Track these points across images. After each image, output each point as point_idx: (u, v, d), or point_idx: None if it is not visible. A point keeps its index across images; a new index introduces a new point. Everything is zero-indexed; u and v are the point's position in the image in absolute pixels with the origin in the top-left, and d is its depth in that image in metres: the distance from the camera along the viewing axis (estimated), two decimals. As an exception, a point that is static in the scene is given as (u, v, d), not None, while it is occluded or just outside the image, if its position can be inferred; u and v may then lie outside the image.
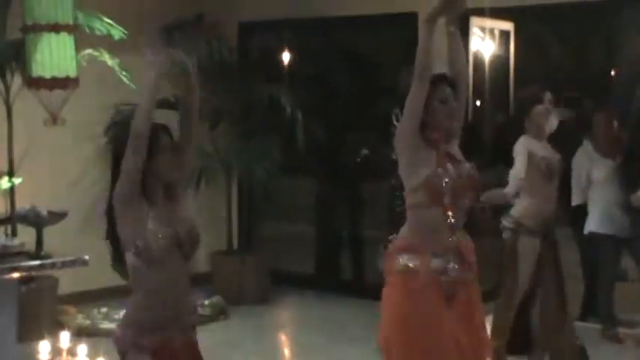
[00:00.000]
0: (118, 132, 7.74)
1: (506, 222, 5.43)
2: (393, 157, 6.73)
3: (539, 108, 5.37)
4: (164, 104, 7.73)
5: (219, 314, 7.38)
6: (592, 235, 6.59)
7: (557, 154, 5.47)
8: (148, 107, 3.24)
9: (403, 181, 3.86)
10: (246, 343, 6.81)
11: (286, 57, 8.85)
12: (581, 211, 6.73)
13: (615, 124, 6.85)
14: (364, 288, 7.96)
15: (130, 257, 3.28)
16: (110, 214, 3.33)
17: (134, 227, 3.25)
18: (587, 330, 6.68)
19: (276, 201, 8.91)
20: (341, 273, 8.83)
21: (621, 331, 6.77)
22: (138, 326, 3.33)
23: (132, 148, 3.18)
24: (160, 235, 3.25)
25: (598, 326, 6.63)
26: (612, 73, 9.97)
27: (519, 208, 5.39)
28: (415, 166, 3.76)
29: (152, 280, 3.29)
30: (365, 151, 7.70)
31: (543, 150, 5.40)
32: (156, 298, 3.31)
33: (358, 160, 8.45)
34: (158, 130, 3.34)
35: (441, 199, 3.71)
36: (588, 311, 6.95)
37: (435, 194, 3.71)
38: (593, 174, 6.64)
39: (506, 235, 5.43)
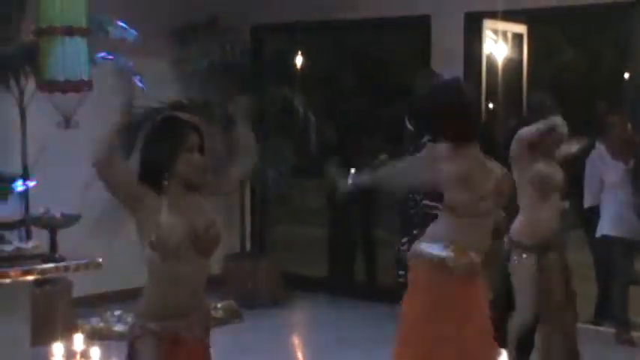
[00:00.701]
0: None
1: (505, 239, 5.20)
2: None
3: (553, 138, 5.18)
4: (177, 106, 7.79)
5: (232, 317, 7.38)
6: (604, 238, 6.57)
7: (561, 173, 5.19)
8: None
9: None
10: (260, 346, 6.81)
11: (299, 60, 8.86)
12: (594, 214, 6.71)
13: (629, 127, 6.83)
14: (377, 291, 7.96)
15: (145, 249, 3.29)
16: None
17: (149, 222, 3.26)
18: (600, 334, 6.67)
19: (289, 203, 8.93)
20: (354, 276, 8.83)
21: (635, 334, 6.74)
22: (148, 314, 3.35)
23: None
24: (176, 228, 3.24)
25: (612, 330, 6.60)
26: (625, 75, 9.93)
27: (514, 226, 5.14)
28: None
29: (166, 273, 3.29)
30: (384, 156, 7.68)
31: (543, 165, 5.13)
32: (168, 291, 3.31)
33: (376, 163, 8.44)
34: (185, 128, 3.33)
35: None
36: (602, 315, 6.92)
37: None
38: (606, 177, 6.62)
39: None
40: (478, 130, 4.22)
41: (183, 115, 3.47)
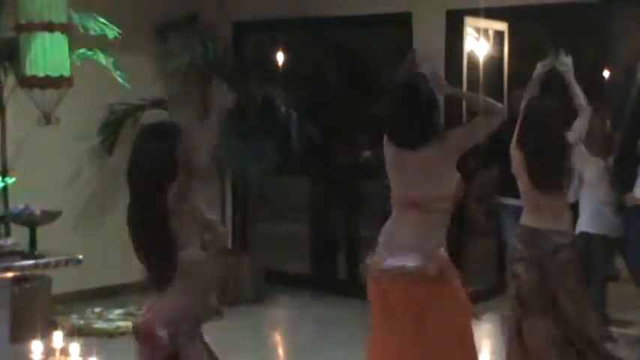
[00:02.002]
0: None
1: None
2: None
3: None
4: (156, 104, 7.79)
5: (213, 314, 7.35)
6: (583, 234, 6.60)
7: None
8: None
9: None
10: (241, 343, 6.81)
11: (280, 57, 8.85)
12: (573, 211, 6.74)
13: (608, 124, 6.87)
14: (359, 288, 7.94)
15: (188, 252, 3.21)
16: (150, 220, 3.20)
17: (194, 222, 3.23)
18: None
19: (271, 201, 8.92)
20: (336, 273, 8.83)
21: (614, 330, 6.78)
22: (185, 318, 3.25)
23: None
24: (219, 226, 3.28)
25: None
26: (606, 73, 9.98)
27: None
28: None
29: (206, 272, 3.25)
30: (367, 153, 7.71)
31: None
32: (206, 291, 3.29)
33: (360, 161, 8.46)
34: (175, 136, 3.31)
35: None
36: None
37: None
38: (585, 173, 6.65)
39: None
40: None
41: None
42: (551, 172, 4.89)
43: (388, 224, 4.24)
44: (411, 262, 4.04)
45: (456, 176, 4.13)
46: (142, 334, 3.24)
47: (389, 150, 4.18)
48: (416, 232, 4.08)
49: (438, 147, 4.07)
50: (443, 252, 4.11)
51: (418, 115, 4.07)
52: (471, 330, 4.24)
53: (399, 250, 4.09)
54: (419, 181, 4.09)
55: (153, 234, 3.19)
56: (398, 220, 4.18)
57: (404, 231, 4.12)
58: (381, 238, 4.24)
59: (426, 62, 4.15)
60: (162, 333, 3.18)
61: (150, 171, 3.19)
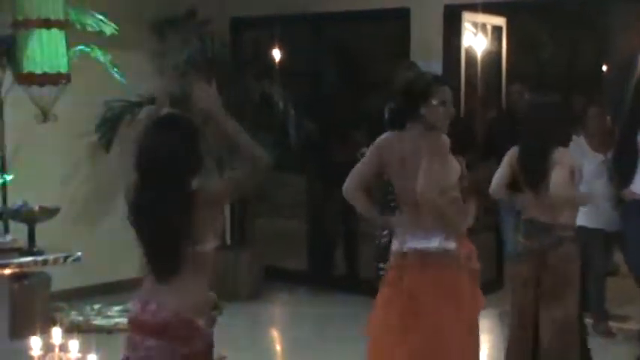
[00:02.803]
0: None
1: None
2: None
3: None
4: (154, 101, 7.75)
5: (212, 310, 7.35)
6: (581, 229, 6.59)
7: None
8: None
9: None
10: (240, 338, 6.81)
11: (278, 53, 8.84)
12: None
13: (607, 119, 6.88)
14: (357, 284, 7.97)
15: (209, 242, 3.23)
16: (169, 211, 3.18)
17: (214, 217, 3.30)
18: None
19: (269, 197, 8.91)
20: (334, 269, 8.84)
21: (612, 325, 6.79)
22: (200, 311, 3.27)
23: None
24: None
25: (589, 320, 6.64)
26: (604, 68, 9.99)
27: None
28: None
29: (213, 262, 3.29)
30: (365, 149, 7.68)
31: None
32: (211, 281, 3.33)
33: (358, 157, 8.44)
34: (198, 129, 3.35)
35: None
36: (580, 305, 6.96)
37: None
38: (584, 168, 6.65)
39: None
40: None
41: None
42: (540, 171, 4.86)
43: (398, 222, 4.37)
44: (434, 243, 4.16)
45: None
46: (172, 326, 3.17)
47: (384, 136, 4.40)
48: (431, 221, 4.18)
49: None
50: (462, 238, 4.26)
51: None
52: (478, 320, 4.33)
53: (421, 232, 4.19)
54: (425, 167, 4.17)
55: (167, 226, 3.16)
56: (407, 214, 4.31)
57: (417, 221, 4.22)
58: (400, 225, 4.34)
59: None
60: (201, 322, 3.19)
61: (174, 164, 3.19)
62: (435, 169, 4.08)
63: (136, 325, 3.28)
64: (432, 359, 4.17)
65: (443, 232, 4.17)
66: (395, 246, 4.34)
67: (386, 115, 7.26)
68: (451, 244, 4.17)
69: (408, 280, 4.21)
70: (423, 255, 4.19)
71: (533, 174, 4.90)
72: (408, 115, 4.27)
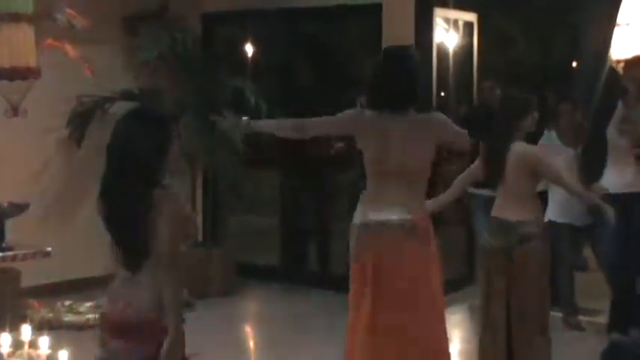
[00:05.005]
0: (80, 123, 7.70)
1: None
2: (359, 147, 6.75)
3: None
4: (125, 96, 7.73)
5: (184, 307, 7.33)
6: (551, 223, 6.65)
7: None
8: None
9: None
10: (212, 335, 6.78)
11: (250, 48, 8.82)
12: (542, 200, 6.78)
13: (578, 114, 6.93)
14: (330, 279, 7.97)
15: (167, 244, 3.19)
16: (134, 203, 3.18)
17: (176, 215, 3.24)
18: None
19: (242, 193, 8.89)
20: (307, 265, 8.84)
21: (582, 319, 6.85)
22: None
23: None
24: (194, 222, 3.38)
25: (559, 314, 6.70)
26: (575, 63, 10.05)
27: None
28: None
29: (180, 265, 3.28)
30: (339, 144, 7.71)
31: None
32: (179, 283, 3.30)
33: (331, 152, 8.46)
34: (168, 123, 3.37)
35: None
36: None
37: None
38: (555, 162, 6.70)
39: None
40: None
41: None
42: (499, 166, 4.87)
43: (369, 188, 4.36)
44: (398, 215, 4.20)
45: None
46: (137, 325, 3.17)
47: (366, 117, 4.30)
48: (401, 193, 4.24)
49: (428, 119, 4.33)
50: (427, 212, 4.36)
51: (409, 79, 4.27)
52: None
53: (384, 206, 4.24)
54: (403, 148, 4.22)
55: (133, 217, 3.16)
56: (379, 184, 4.30)
57: (389, 192, 4.24)
58: (364, 199, 4.35)
59: None
60: (167, 322, 3.16)
61: (146, 156, 3.19)
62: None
63: (104, 323, 3.31)
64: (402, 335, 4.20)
65: (405, 205, 4.21)
66: (356, 219, 4.34)
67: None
68: (409, 216, 4.22)
69: (371, 254, 4.23)
70: (385, 226, 4.21)
71: (492, 170, 4.91)
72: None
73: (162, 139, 3.27)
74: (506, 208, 4.88)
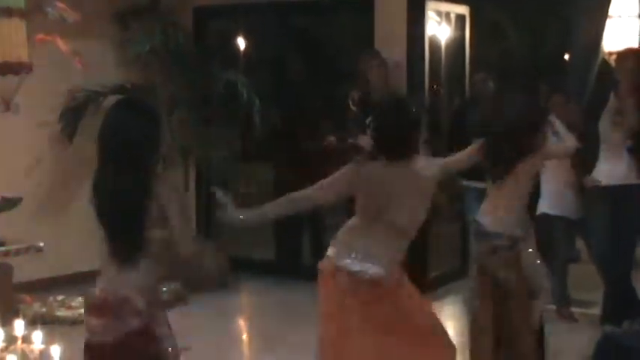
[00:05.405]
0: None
1: None
2: (350, 140, 6.74)
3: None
4: (118, 91, 7.71)
5: (178, 300, 7.35)
6: (544, 216, 6.66)
7: None
8: None
9: None
10: (206, 329, 6.79)
11: (242, 42, 8.81)
12: (535, 192, 6.79)
13: (571, 106, 6.92)
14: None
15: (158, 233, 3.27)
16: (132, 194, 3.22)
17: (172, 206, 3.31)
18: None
19: (235, 187, 8.88)
20: (301, 258, 8.84)
21: (575, 310, 6.87)
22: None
23: None
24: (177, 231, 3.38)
25: (552, 306, 6.71)
26: (567, 56, 10.05)
27: None
28: None
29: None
30: (331, 138, 7.71)
31: None
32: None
33: (324, 145, 8.46)
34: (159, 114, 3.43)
35: None
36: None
37: None
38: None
39: None
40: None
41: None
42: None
43: (353, 225, 4.32)
44: (371, 269, 4.18)
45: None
46: (109, 303, 3.24)
47: (371, 167, 4.20)
48: (383, 245, 4.21)
49: (431, 169, 4.31)
50: (397, 265, 4.31)
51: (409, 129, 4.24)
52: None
53: (360, 254, 4.20)
54: (409, 205, 4.20)
55: (131, 207, 3.19)
56: (365, 228, 4.27)
57: (370, 240, 4.22)
58: (343, 237, 4.33)
59: None
60: (140, 302, 3.22)
61: (137, 146, 3.21)
62: None
63: (87, 308, 3.41)
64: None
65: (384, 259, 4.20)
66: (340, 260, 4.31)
67: (350, 104, 7.29)
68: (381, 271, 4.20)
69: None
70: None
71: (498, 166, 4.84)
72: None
73: (152, 129, 3.30)
74: (486, 216, 4.86)
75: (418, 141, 4.30)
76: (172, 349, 3.35)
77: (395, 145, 4.21)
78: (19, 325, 4.74)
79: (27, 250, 5.23)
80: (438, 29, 8.07)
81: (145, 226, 3.20)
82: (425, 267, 7.72)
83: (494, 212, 4.76)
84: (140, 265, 3.23)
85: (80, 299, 6.94)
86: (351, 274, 4.23)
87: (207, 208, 8.68)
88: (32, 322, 5.76)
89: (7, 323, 5.02)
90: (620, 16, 7.35)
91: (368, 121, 6.00)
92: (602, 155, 6.23)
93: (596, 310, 6.53)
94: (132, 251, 3.22)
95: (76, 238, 7.18)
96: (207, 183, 8.69)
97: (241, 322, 7.61)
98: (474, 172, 5.14)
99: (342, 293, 4.31)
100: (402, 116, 4.26)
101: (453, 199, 8.15)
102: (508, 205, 4.73)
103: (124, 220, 3.21)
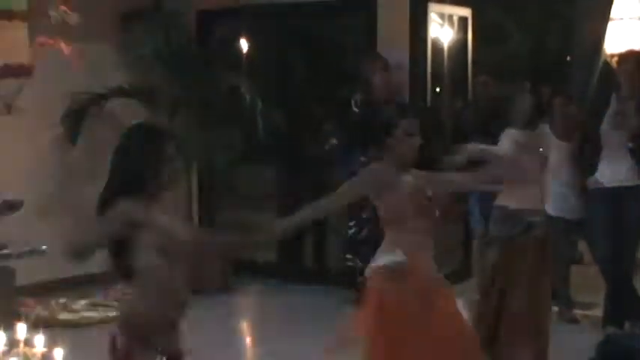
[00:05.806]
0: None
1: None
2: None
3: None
4: (117, 92, 7.71)
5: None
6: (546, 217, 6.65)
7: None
8: None
9: None
10: (208, 331, 6.78)
11: (245, 45, 8.81)
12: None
13: (573, 108, 6.93)
14: (326, 275, 7.97)
15: (142, 258, 3.29)
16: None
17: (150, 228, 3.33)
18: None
19: (237, 190, 8.89)
20: (303, 261, 8.84)
21: (577, 312, 6.86)
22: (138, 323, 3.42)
23: None
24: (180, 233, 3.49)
25: (555, 308, 6.71)
26: (569, 58, 10.06)
27: None
28: None
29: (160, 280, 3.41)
30: (333, 141, 7.72)
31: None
32: (158, 299, 3.47)
33: (327, 148, 8.46)
34: (164, 140, 3.37)
35: None
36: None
37: None
38: (549, 156, 6.70)
39: None
40: None
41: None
42: None
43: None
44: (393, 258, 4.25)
45: None
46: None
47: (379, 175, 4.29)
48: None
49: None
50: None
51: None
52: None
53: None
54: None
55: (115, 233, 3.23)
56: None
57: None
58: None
59: None
60: (120, 336, 3.28)
61: (136, 169, 3.27)
62: None
63: None
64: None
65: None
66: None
67: (353, 106, 7.30)
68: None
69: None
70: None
71: None
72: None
73: (155, 154, 3.31)
74: (512, 197, 4.93)
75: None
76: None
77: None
78: (21, 329, 4.74)
79: (30, 253, 5.22)
80: (441, 31, 8.07)
81: (132, 254, 3.23)
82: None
83: (522, 195, 4.85)
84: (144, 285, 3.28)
85: (82, 302, 6.95)
86: (380, 271, 4.23)
87: (208, 210, 8.68)
88: (34, 326, 5.74)
89: (10, 326, 5.02)
90: (621, 19, 7.36)
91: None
92: (604, 157, 6.23)
93: (598, 312, 6.52)
94: (128, 275, 3.25)
95: (79, 241, 7.17)
96: (209, 185, 8.70)
97: (243, 325, 7.61)
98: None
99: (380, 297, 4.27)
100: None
101: (455, 200, 8.14)
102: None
103: (115, 248, 3.26)
